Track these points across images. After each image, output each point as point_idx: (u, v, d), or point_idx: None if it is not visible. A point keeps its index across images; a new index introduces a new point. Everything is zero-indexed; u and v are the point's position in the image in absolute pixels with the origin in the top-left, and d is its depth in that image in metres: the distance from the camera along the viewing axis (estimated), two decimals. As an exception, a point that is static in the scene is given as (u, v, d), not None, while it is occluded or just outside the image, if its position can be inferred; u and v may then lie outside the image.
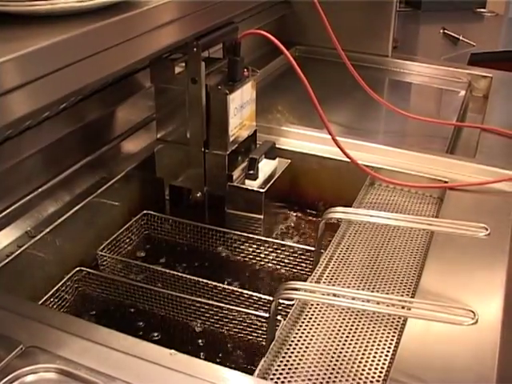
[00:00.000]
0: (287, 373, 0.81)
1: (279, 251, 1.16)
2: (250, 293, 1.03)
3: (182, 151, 1.19)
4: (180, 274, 1.08)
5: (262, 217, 1.19)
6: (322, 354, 0.84)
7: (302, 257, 1.14)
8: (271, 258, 1.17)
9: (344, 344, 0.86)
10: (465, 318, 0.79)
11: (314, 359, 0.83)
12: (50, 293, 1.02)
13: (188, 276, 1.07)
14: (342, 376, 0.81)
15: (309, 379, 0.80)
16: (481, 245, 0.98)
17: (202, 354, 0.97)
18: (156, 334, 1.01)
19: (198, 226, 1.21)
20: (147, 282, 1.09)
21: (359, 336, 0.88)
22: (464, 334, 0.85)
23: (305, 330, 0.89)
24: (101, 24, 0.72)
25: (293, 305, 0.92)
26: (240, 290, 1.04)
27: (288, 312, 0.92)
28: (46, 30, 0.68)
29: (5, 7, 0.69)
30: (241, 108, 1.18)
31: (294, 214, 1.34)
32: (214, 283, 1.05)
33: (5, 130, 0.95)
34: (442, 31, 2.40)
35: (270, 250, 1.17)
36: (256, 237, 1.18)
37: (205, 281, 1.06)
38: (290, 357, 0.84)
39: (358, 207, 1.17)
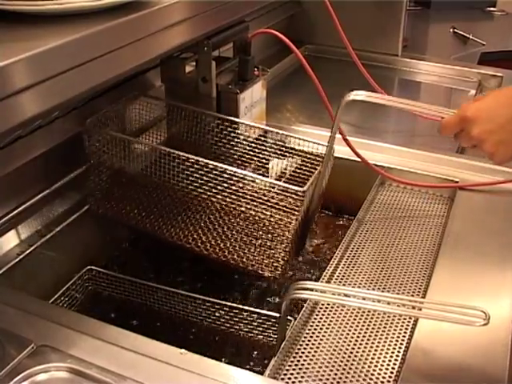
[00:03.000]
0: (298, 373, 0.81)
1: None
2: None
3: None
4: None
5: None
6: (332, 354, 0.84)
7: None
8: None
9: (355, 344, 0.86)
10: (476, 318, 0.79)
11: (324, 359, 0.83)
12: (61, 292, 1.03)
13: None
14: (353, 376, 0.80)
15: (319, 379, 0.80)
16: (492, 245, 0.97)
17: (212, 353, 0.97)
18: (166, 333, 1.01)
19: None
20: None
21: (370, 336, 0.87)
22: (475, 335, 0.84)
23: (315, 329, 0.88)
24: (112, 24, 0.72)
25: (304, 304, 0.92)
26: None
27: (299, 312, 0.92)
28: (57, 30, 0.68)
29: (17, 6, 0.69)
30: (251, 107, 1.18)
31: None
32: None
33: (16, 129, 0.95)
34: (451, 30, 2.39)
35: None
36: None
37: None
38: (300, 357, 0.83)
39: (368, 206, 1.17)
